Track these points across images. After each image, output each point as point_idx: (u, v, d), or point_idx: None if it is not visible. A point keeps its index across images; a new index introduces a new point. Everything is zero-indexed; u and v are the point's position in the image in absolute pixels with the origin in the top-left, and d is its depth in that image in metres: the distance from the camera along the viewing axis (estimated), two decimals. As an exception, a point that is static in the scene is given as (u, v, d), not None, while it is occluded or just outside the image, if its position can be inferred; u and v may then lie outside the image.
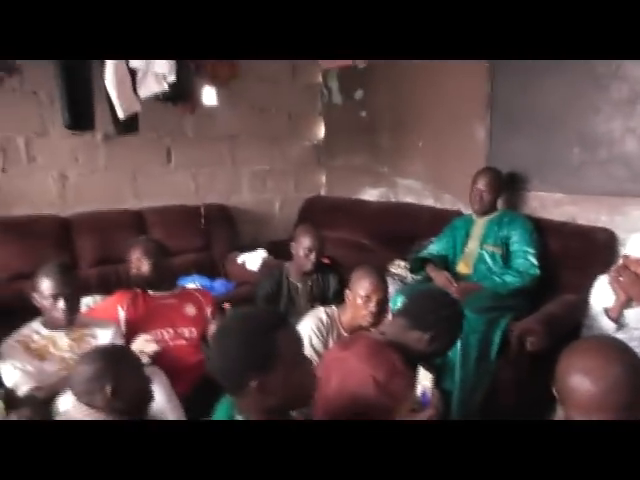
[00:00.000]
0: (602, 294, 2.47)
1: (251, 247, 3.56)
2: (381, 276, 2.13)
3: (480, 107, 3.18)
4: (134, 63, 2.47)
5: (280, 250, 3.51)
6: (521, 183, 3.04)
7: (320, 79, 4.27)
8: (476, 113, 3.21)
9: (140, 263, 2.35)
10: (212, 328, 2.27)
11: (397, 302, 2.52)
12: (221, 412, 1.20)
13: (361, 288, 2.04)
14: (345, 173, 4.20)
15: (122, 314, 2.28)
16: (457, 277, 2.76)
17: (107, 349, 1.52)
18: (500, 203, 2.97)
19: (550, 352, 2.33)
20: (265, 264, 3.32)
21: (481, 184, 2.87)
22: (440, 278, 2.71)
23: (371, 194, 4.00)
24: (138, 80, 2.55)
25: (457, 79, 3.27)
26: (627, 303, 2.32)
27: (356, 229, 3.77)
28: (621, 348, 1.11)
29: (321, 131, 4.36)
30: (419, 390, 1.28)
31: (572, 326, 2.52)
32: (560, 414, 1.15)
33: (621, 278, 2.34)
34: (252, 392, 1.08)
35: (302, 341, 1.20)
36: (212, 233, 3.56)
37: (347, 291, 2.11)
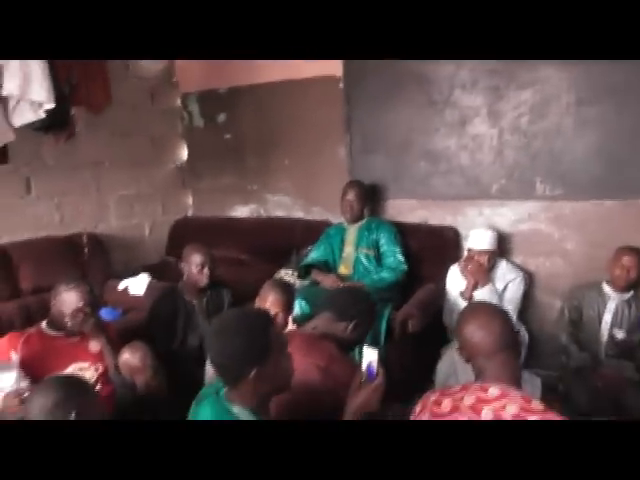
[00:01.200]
0: (455, 281, 3.03)
1: (127, 273, 3.49)
2: (284, 289, 2.37)
3: (339, 128, 3.60)
4: (7, 90, 2.33)
5: (156, 273, 3.52)
6: (381, 193, 3.53)
7: (179, 103, 4.34)
8: (336, 133, 3.62)
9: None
10: (123, 357, 2.24)
11: (296, 306, 2.76)
12: (206, 409, 1.32)
13: (267, 301, 2.27)
14: (212, 193, 4.32)
15: (15, 356, 2.14)
16: (340, 278, 3.10)
17: (62, 379, 1.50)
18: (366, 211, 3.40)
19: (424, 331, 2.82)
20: (151, 287, 3.30)
21: (350, 196, 3.27)
22: (328, 280, 3.03)
23: (242, 211, 4.19)
24: (11, 108, 2.41)
25: (316, 103, 3.65)
26: (475, 286, 2.89)
27: (231, 246, 3.92)
28: (494, 307, 1.53)
29: (184, 154, 4.42)
30: (364, 366, 1.53)
31: (437, 308, 3.04)
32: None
33: (469, 266, 2.92)
34: (250, 381, 1.24)
35: (284, 335, 1.39)
36: (85, 263, 3.42)
37: (257, 300, 2.32)
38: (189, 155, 4.41)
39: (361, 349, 1.97)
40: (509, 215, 3.19)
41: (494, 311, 1.49)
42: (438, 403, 1.37)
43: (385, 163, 3.48)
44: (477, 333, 1.41)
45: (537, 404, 1.27)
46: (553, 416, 1.24)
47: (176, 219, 4.29)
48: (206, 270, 2.67)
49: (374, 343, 2.75)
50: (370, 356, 1.51)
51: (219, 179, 4.25)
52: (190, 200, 4.47)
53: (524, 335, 2.96)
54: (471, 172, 3.25)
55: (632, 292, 2.78)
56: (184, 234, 4.06)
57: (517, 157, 3.10)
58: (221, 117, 4.16)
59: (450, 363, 2.54)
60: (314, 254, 3.33)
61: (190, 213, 4.47)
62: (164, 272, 3.59)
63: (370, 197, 3.42)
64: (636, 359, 2.68)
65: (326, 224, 3.58)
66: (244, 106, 4.00)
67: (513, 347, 1.43)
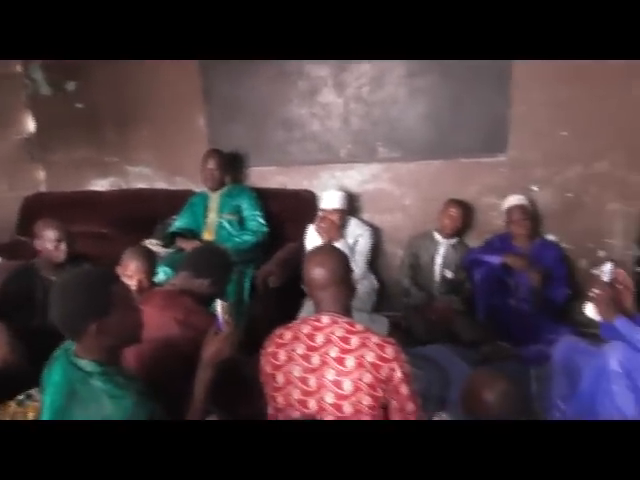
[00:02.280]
0: (312, 239, 3.32)
1: (-26, 255, 3.28)
2: (144, 255, 2.45)
3: (197, 99, 3.67)
4: None
5: (6, 252, 3.36)
6: (242, 161, 3.68)
7: (19, 69, 4.05)
8: (195, 104, 3.68)
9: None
10: None
11: (161, 272, 2.86)
12: (56, 368, 1.39)
13: (128, 269, 2.34)
14: (67, 167, 4.14)
15: None
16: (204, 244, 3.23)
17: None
18: (228, 179, 3.54)
19: (285, 285, 3.07)
20: (1, 267, 3.15)
21: (211, 164, 3.39)
22: (192, 245, 3.14)
23: (101, 185, 4.09)
24: None
25: (172, 74, 3.66)
26: (329, 243, 3.20)
27: (92, 220, 3.84)
28: (331, 248, 1.78)
29: (30, 125, 4.16)
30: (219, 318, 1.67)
31: (297, 265, 3.31)
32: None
33: (322, 225, 3.21)
34: (91, 334, 1.34)
35: (131, 291, 1.49)
36: None
37: (118, 269, 2.37)
38: (37, 126, 4.16)
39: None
40: (357, 177, 3.54)
41: (330, 251, 1.72)
42: (281, 335, 1.61)
43: (244, 132, 3.63)
44: (315, 269, 1.64)
45: (359, 326, 1.55)
46: (371, 334, 1.52)
47: (26, 196, 4.06)
48: (62, 246, 2.64)
49: (239, 300, 2.96)
50: (219, 308, 1.65)
51: (73, 152, 4.09)
52: (42, 175, 4.24)
53: (374, 282, 3.36)
54: (322, 138, 3.53)
55: (457, 238, 3.29)
56: (37, 211, 3.85)
57: (361, 124, 3.44)
58: (70, 85, 3.97)
59: (309, 311, 2.83)
60: (178, 222, 3.42)
61: (43, 189, 4.25)
62: (16, 251, 3.43)
63: (231, 165, 3.56)
64: (462, 293, 3.21)
65: (189, 193, 3.65)
66: (96, 75, 3.86)
67: (345, 283, 1.66)
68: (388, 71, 3.31)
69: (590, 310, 2.03)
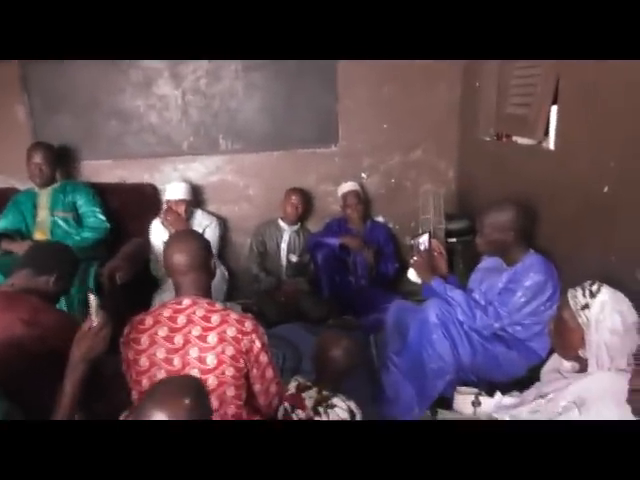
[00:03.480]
0: (157, 232, 3.31)
1: None
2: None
3: (14, 88, 3.39)
4: None
5: None
6: (73, 154, 3.51)
7: None
8: (11, 94, 3.40)
9: None
10: None
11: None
12: None
13: None
14: None
15: None
16: (39, 245, 3.04)
17: None
18: (58, 174, 3.35)
19: (134, 281, 3.03)
20: None
21: (37, 158, 3.18)
22: (22, 247, 2.92)
23: None
24: None
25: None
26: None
27: None
28: (191, 233, 1.88)
29: None
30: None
31: (144, 259, 3.29)
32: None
33: (168, 217, 3.23)
34: None
35: None
36: None
37: None
38: None
39: (67, 299, 2.07)
40: (200, 169, 3.61)
41: (190, 236, 1.80)
42: (141, 321, 1.66)
43: (73, 124, 3.47)
44: (175, 255, 1.70)
45: (219, 305, 1.68)
46: (230, 311, 1.66)
47: None
48: None
49: (84, 300, 2.86)
50: (91, 303, 1.60)
51: None
52: None
53: (224, 272, 3.48)
54: (162, 130, 3.53)
55: (300, 224, 3.56)
56: None
57: (201, 116, 3.52)
58: None
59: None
60: (2, 223, 3.15)
61: None
62: None
63: (60, 159, 3.37)
64: (307, 275, 3.49)
65: (13, 190, 3.38)
66: None
67: (205, 267, 1.74)
68: (224, 65, 3.43)
69: (412, 274, 2.41)
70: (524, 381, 2.00)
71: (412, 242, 2.52)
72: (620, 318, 1.48)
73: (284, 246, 3.49)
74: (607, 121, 1.90)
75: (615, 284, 1.56)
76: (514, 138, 2.81)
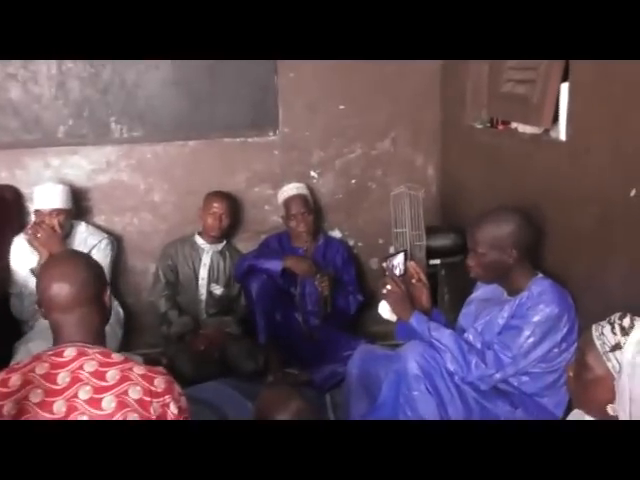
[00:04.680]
0: (22, 255, 3.22)
1: None
2: None
3: None
4: None
5: None
6: None
7: None
8: None
9: None
10: None
11: None
12: None
13: None
14: None
15: None
16: None
17: None
18: None
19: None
20: None
21: None
22: None
23: None
24: None
25: None
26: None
27: None
28: (77, 254, 1.84)
29: None
30: None
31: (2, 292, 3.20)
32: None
33: (38, 234, 3.15)
34: None
35: None
36: None
37: None
38: None
39: None
40: (83, 165, 3.57)
41: (74, 260, 1.77)
42: (4, 382, 1.61)
43: None
44: (54, 285, 1.66)
45: (117, 356, 1.65)
46: (133, 364, 1.63)
47: None
48: None
49: None
50: None
51: None
52: None
53: (119, 311, 3.41)
54: (28, 111, 3.46)
55: (225, 242, 3.56)
56: None
57: (84, 92, 3.49)
58: None
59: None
60: None
61: None
62: None
63: None
64: (236, 312, 3.48)
65: None
66: None
67: (97, 301, 1.72)
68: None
69: (383, 309, 2.46)
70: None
71: (383, 265, 2.57)
72: (660, 360, 1.55)
73: (204, 273, 3.49)
74: (631, 106, 2.01)
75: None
76: (513, 125, 2.92)
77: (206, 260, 3.50)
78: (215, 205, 3.44)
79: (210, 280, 3.49)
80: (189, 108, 3.55)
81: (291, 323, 3.42)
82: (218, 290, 3.50)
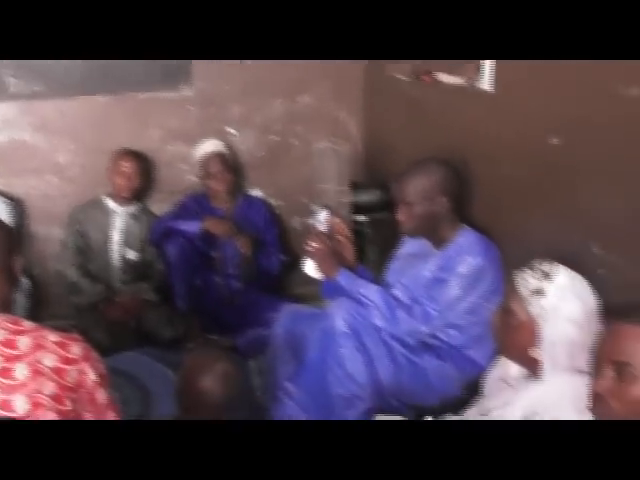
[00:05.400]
0: None
1: None
2: None
3: None
4: None
5: None
6: None
7: None
8: None
9: None
10: None
11: None
12: None
13: None
14: None
15: None
16: None
17: None
18: None
19: None
20: None
21: None
22: None
23: None
24: None
25: None
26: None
27: None
28: None
29: None
30: None
31: None
32: None
33: None
34: None
35: None
36: None
37: None
38: None
39: None
40: (-23, 123, 3.46)
41: None
42: None
43: None
44: None
45: (28, 323, 1.64)
46: (47, 332, 1.63)
47: None
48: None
49: None
50: None
51: None
52: None
53: (23, 282, 3.34)
54: None
55: (138, 204, 3.53)
56: None
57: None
58: None
59: None
60: None
61: None
62: None
63: None
64: (153, 278, 3.47)
65: None
66: None
67: (4, 270, 1.66)
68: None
69: (309, 267, 2.51)
70: (461, 402, 2.18)
71: (308, 222, 2.61)
72: (580, 304, 1.67)
73: (117, 237, 3.47)
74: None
75: (569, 263, 1.75)
76: (438, 76, 2.99)
77: (118, 224, 3.47)
78: (124, 164, 3.41)
79: (124, 245, 3.47)
80: (95, 61, 3.46)
81: (212, 287, 3.45)
82: (132, 255, 3.48)
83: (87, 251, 3.44)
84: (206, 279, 3.44)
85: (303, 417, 2.39)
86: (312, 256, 2.50)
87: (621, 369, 1.38)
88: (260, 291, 3.46)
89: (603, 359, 1.43)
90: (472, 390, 2.20)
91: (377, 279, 2.59)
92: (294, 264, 3.60)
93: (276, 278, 3.63)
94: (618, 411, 1.38)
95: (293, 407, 2.41)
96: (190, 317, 3.30)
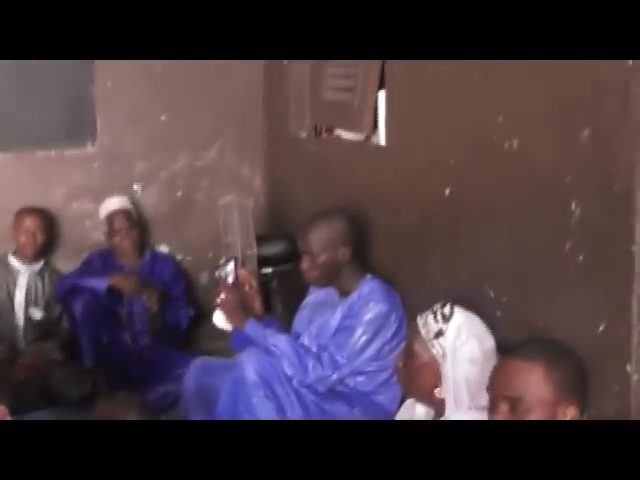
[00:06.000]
0: None
1: None
2: None
3: None
4: None
5: None
6: None
7: None
8: None
9: None
10: None
11: None
12: None
13: None
14: None
15: None
16: None
17: None
18: None
19: None
20: None
21: None
22: None
23: None
24: None
25: None
26: None
27: None
28: None
29: None
30: None
31: None
32: None
33: None
34: None
35: None
36: None
37: None
38: None
39: None
40: None
41: None
42: None
43: None
44: None
45: None
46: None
47: None
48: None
49: None
50: None
51: None
52: None
53: None
54: None
55: (43, 261, 3.46)
56: None
57: None
58: None
59: None
60: None
61: None
62: None
63: None
64: (59, 336, 3.39)
65: None
66: None
67: None
68: None
69: (218, 318, 2.53)
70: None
71: (215, 274, 2.64)
72: (478, 344, 1.78)
73: (20, 296, 3.39)
74: (443, 110, 2.25)
75: (469, 306, 1.86)
76: (336, 132, 3.11)
77: (22, 282, 3.40)
78: (27, 221, 3.36)
79: (28, 304, 3.39)
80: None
81: (119, 344, 3.38)
82: (37, 314, 3.40)
83: (-10, 311, 3.34)
84: (113, 335, 3.37)
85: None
86: (221, 307, 2.53)
87: (514, 403, 1.48)
88: (168, 346, 3.42)
89: (497, 395, 1.53)
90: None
91: (285, 331, 2.61)
92: (202, 319, 3.61)
93: (184, 332, 3.60)
94: None
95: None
96: (98, 374, 3.21)
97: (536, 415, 1.45)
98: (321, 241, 2.44)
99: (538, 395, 1.45)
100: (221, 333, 2.78)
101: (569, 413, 1.45)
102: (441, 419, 1.81)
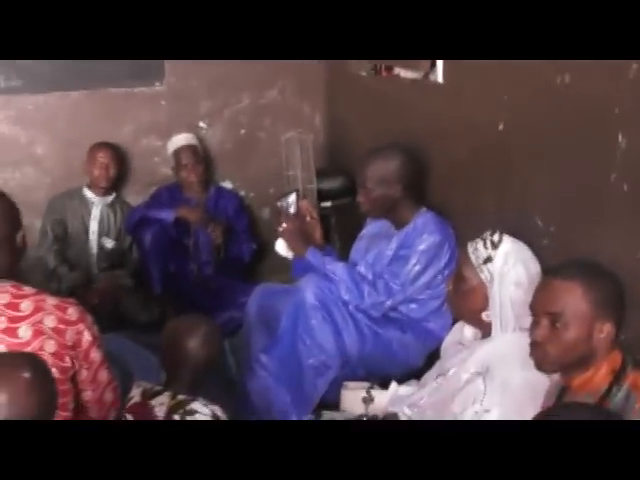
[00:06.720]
0: None
1: None
2: None
3: None
4: None
5: None
6: None
7: None
8: None
9: None
10: None
11: None
12: None
13: None
14: None
15: None
16: None
17: None
18: None
19: None
20: None
21: None
22: None
23: None
24: None
25: None
26: None
27: None
28: None
29: None
30: None
31: None
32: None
33: None
34: None
35: None
36: None
37: None
38: None
39: None
40: (-45, 117, 3.52)
41: None
42: None
43: None
44: None
45: (29, 288, 1.78)
46: (46, 296, 1.77)
47: None
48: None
49: None
50: None
51: None
52: None
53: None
54: None
55: (114, 194, 3.65)
56: None
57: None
58: None
59: None
60: None
61: None
62: None
63: None
64: (129, 265, 3.59)
65: None
66: None
67: (9, 240, 1.79)
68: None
69: (280, 246, 2.67)
70: (422, 372, 2.35)
71: (277, 204, 2.78)
72: (524, 269, 1.88)
73: (94, 226, 3.57)
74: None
75: (517, 235, 1.96)
76: (396, 71, 3.18)
77: (96, 213, 3.57)
78: (100, 155, 3.51)
79: (101, 233, 3.58)
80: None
81: (185, 273, 3.56)
82: (109, 243, 3.59)
83: (65, 239, 3.53)
84: (180, 265, 3.55)
85: (276, 387, 2.55)
86: (283, 236, 2.67)
87: (554, 318, 1.58)
88: (232, 276, 3.59)
89: (539, 311, 1.64)
90: (432, 360, 2.39)
91: (342, 258, 2.75)
92: (264, 253, 3.77)
93: (247, 265, 3.76)
94: (553, 355, 1.59)
95: (266, 379, 2.56)
96: (165, 301, 3.41)
97: (574, 330, 1.54)
98: (375, 177, 2.54)
99: (576, 311, 1.54)
100: (282, 266, 2.93)
101: (605, 329, 1.54)
102: (485, 342, 1.94)
